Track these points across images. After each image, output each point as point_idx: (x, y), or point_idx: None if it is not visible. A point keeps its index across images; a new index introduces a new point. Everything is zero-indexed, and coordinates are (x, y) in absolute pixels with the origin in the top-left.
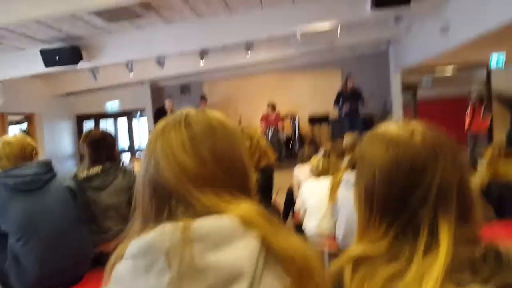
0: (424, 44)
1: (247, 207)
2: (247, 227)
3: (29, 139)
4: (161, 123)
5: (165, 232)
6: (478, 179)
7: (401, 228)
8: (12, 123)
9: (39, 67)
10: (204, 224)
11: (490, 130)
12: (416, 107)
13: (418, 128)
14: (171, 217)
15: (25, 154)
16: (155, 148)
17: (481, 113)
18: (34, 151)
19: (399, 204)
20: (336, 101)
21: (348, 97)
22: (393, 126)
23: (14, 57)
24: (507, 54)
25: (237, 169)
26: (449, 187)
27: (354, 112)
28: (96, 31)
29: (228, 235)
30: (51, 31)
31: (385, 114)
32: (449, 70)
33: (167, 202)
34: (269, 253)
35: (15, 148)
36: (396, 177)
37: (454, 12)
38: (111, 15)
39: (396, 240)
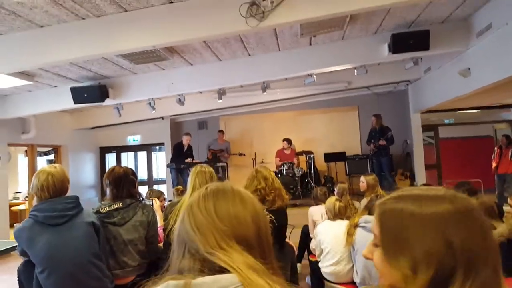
0: (444, 86)
1: (244, 261)
2: (244, 286)
3: (66, 172)
4: None
5: (168, 287)
6: (505, 226)
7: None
8: (40, 154)
9: (69, 103)
10: (203, 282)
11: None
12: (438, 147)
13: (445, 189)
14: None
15: (64, 187)
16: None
17: (509, 155)
18: (69, 184)
19: (480, 257)
20: (368, 140)
21: (376, 135)
22: (420, 189)
23: (46, 94)
24: None
25: (239, 225)
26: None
27: (381, 151)
28: (123, 71)
29: None
30: (82, 71)
31: (405, 155)
32: (472, 110)
33: (183, 250)
34: None
35: (57, 181)
36: (472, 227)
37: (474, 56)
38: (138, 57)
39: None
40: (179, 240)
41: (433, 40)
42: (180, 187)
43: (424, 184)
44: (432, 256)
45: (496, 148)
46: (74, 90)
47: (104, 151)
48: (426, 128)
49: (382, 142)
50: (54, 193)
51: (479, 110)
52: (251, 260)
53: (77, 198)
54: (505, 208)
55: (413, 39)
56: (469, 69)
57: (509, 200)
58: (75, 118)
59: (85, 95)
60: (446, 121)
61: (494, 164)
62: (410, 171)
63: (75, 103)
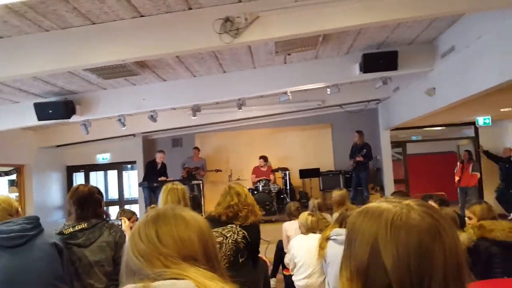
0: (412, 104)
1: (195, 271)
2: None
3: (12, 199)
4: None
5: None
6: (466, 236)
7: None
8: (1, 174)
9: (32, 119)
10: (162, 284)
11: (480, 184)
12: (406, 163)
13: (412, 204)
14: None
15: (12, 209)
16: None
17: (470, 169)
18: (19, 209)
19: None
20: (350, 155)
21: (356, 151)
22: (386, 204)
23: (7, 110)
24: (492, 112)
25: (184, 245)
26: (456, 269)
27: (359, 166)
28: (91, 86)
29: None
30: (46, 86)
31: (375, 170)
32: (437, 127)
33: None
34: None
35: (3, 203)
36: (405, 259)
37: (439, 76)
38: (107, 72)
39: None
40: (128, 270)
41: (401, 60)
42: (154, 205)
43: (394, 192)
44: (362, 270)
45: (458, 163)
46: (38, 106)
47: (71, 170)
48: (394, 144)
49: (359, 158)
50: (1, 214)
51: (444, 128)
52: (201, 270)
53: (37, 218)
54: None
55: (383, 59)
56: (434, 88)
57: (466, 212)
58: (40, 135)
59: (50, 111)
60: (414, 138)
61: (456, 178)
62: (380, 186)
63: (39, 119)
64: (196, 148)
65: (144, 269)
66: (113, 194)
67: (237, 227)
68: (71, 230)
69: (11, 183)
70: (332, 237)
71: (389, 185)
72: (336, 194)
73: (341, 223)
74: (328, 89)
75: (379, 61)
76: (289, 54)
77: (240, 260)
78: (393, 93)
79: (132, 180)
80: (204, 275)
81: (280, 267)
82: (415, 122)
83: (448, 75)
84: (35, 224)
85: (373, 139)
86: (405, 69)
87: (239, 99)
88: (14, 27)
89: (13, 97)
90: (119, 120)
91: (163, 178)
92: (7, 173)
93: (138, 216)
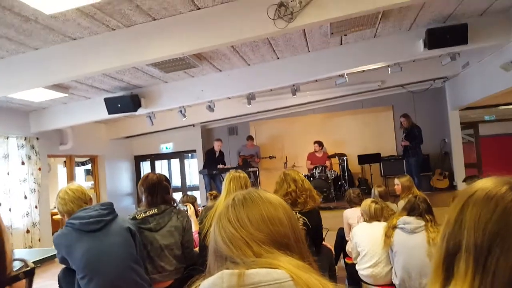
0: (485, 81)
1: (289, 261)
2: (294, 280)
3: (85, 188)
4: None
5: (223, 276)
6: None
7: None
8: (78, 164)
9: (103, 113)
10: (257, 273)
11: None
12: (478, 145)
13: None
14: None
15: (86, 197)
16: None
17: None
18: (90, 197)
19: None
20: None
21: (405, 136)
22: (490, 183)
23: (81, 105)
24: None
25: (275, 228)
26: None
27: (408, 152)
28: (154, 80)
29: (278, 285)
30: (114, 81)
31: (443, 154)
32: None
33: (224, 262)
34: None
35: (77, 192)
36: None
37: None
38: (167, 66)
39: None
40: (217, 255)
41: (471, 33)
42: (214, 192)
43: (467, 177)
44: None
45: None
46: (107, 101)
47: (139, 159)
48: (465, 125)
49: (404, 143)
50: (78, 202)
51: None
52: (294, 260)
53: (111, 204)
54: None
55: (450, 33)
56: (511, 62)
57: None
58: (110, 128)
59: (118, 105)
60: (487, 118)
61: None
62: (448, 171)
63: (109, 113)
64: (250, 137)
65: (234, 257)
66: (176, 181)
67: (297, 213)
68: (143, 215)
69: (87, 172)
70: (400, 226)
71: (459, 170)
72: (403, 180)
73: (409, 211)
74: (389, 69)
75: (446, 35)
76: (345, 35)
77: None
78: (462, 70)
79: (193, 167)
80: (297, 265)
81: (341, 255)
82: (488, 101)
83: None
84: (110, 210)
85: (439, 121)
86: (477, 42)
87: (293, 85)
88: (85, 29)
89: (86, 94)
90: (180, 111)
91: (221, 166)
92: (83, 163)
93: (199, 202)
